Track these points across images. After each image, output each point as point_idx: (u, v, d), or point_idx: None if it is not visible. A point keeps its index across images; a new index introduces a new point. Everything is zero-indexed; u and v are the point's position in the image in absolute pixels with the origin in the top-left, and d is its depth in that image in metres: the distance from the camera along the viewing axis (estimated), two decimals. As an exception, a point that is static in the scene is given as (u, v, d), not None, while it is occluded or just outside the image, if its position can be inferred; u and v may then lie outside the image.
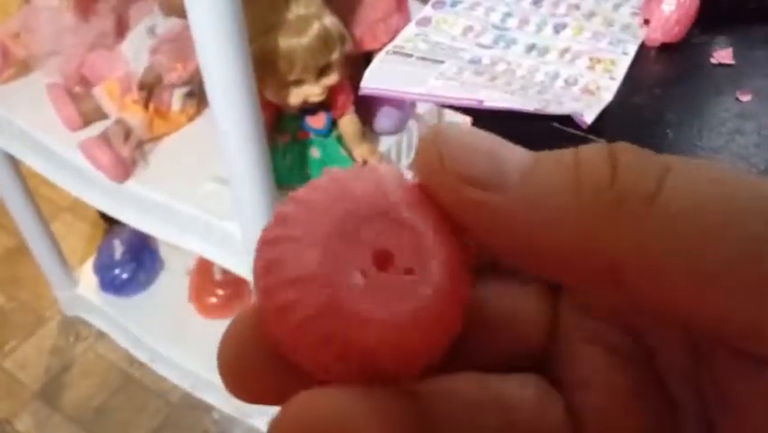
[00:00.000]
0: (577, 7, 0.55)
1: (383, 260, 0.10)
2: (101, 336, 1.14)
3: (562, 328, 0.13)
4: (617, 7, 0.56)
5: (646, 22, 0.52)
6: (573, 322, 0.13)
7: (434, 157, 0.10)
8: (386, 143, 0.79)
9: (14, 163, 0.94)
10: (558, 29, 0.53)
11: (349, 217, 0.10)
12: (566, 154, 0.10)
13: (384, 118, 0.78)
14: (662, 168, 0.10)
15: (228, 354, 0.12)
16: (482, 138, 0.11)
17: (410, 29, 0.54)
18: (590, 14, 0.55)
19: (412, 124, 0.80)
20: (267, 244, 0.10)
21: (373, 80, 0.49)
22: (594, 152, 0.10)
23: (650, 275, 0.09)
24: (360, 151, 0.73)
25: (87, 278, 1.14)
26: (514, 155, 0.10)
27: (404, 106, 0.74)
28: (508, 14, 0.55)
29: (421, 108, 0.74)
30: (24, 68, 0.85)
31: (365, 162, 0.74)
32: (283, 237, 0.10)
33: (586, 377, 0.12)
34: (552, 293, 0.13)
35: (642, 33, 0.52)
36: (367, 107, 0.75)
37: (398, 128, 0.80)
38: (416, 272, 0.10)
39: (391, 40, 0.54)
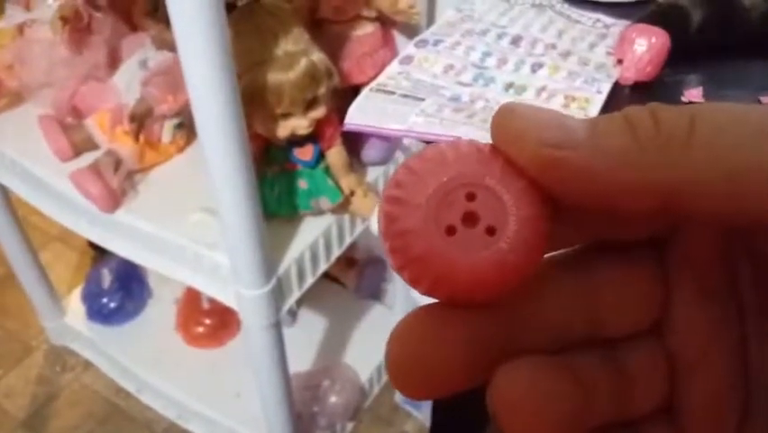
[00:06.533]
0: (554, 47, 0.57)
1: (471, 219, 0.14)
2: (88, 365, 1.14)
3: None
4: (592, 47, 0.58)
5: (620, 61, 0.54)
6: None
7: (514, 128, 0.13)
8: (373, 174, 0.81)
9: (4, 192, 0.94)
10: (535, 68, 0.55)
11: (445, 184, 0.14)
12: (616, 115, 0.13)
13: (371, 150, 0.80)
14: (690, 111, 0.13)
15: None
16: (546, 110, 0.14)
17: (393, 67, 0.56)
18: (566, 54, 0.57)
19: (398, 154, 0.81)
20: (387, 200, 0.14)
21: (357, 117, 0.50)
22: (637, 110, 0.13)
23: (698, 189, 0.12)
24: (347, 181, 0.75)
25: (75, 307, 1.13)
26: (574, 120, 0.14)
27: (390, 138, 0.76)
28: (488, 54, 0.57)
29: (407, 140, 0.75)
30: (17, 99, 0.86)
31: (352, 193, 0.75)
32: (397, 198, 0.14)
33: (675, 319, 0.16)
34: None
35: (615, 72, 0.54)
36: (354, 139, 0.77)
37: (385, 159, 0.81)
38: (497, 231, 0.13)
39: (378, 73, 0.56)
